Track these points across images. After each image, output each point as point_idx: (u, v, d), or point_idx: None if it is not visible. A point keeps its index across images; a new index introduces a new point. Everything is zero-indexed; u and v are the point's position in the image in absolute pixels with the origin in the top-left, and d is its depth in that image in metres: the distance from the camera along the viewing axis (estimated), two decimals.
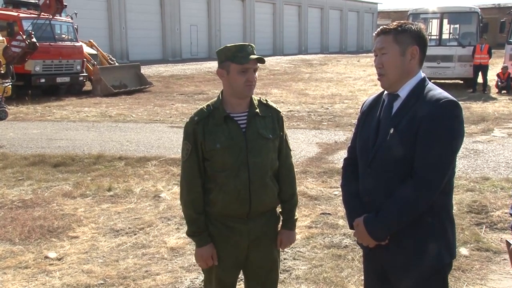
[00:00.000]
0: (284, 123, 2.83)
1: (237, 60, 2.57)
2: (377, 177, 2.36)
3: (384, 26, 2.39)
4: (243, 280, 3.00)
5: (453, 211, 2.45)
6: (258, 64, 2.65)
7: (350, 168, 2.60)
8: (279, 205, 2.88)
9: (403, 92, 2.34)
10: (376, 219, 2.32)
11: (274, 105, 2.80)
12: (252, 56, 2.58)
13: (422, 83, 2.34)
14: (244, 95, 2.65)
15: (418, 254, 2.32)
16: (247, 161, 2.63)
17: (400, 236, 2.32)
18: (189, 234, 2.80)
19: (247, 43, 2.65)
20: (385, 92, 2.46)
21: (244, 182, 2.63)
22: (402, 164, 2.27)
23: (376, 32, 2.41)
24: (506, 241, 2.47)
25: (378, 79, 2.41)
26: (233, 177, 2.63)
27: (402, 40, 2.32)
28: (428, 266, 2.33)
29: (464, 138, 2.34)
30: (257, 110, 2.69)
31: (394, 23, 2.38)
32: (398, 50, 2.32)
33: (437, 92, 2.29)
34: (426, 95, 2.28)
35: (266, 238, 2.78)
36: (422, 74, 2.38)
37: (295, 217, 2.89)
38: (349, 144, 2.66)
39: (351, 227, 2.50)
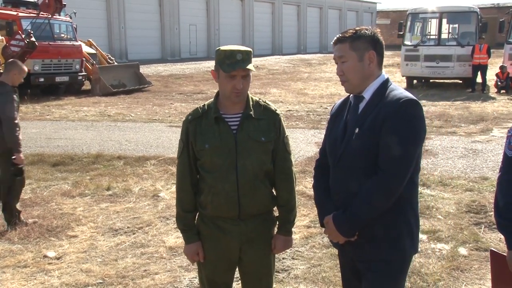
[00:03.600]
0: (284, 125, 2.79)
1: (223, 67, 2.56)
2: (344, 175, 2.46)
3: (340, 35, 2.48)
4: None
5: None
6: (254, 67, 2.63)
7: (321, 169, 2.68)
8: (277, 208, 2.85)
9: (367, 93, 2.45)
10: (344, 216, 2.41)
11: (272, 108, 2.76)
12: (238, 67, 2.53)
13: (384, 84, 2.45)
14: (232, 101, 2.64)
15: (384, 247, 2.41)
16: (236, 163, 2.62)
17: (364, 229, 2.41)
18: (179, 229, 2.85)
19: (239, 49, 2.57)
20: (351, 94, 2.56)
21: (232, 184, 2.62)
22: (367, 162, 2.37)
23: (333, 41, 2.50)
24: (491, 250, 2.51)
25: (342, 85, 2.52)
26: (221, 178, 2.63)
27: (358, 46, 2.41)
28: (394, 259, 2.42)
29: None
30: (251, 112, 2.67)
31: (350, 31, 2.46)
32: (356, 56, 2.42)
33: (399, 92, 2.40)
34: (388, 95, 2.39)
35: (260, 241, 2.76)
36: (385, 76, 2.49)
37: (292, 223, 2.84)
38: (321, 146, 2.74)
39: (322, 225, 2.59)
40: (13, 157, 5.24)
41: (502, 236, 5.05)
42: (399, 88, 2.45)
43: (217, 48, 2.64)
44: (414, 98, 2.35)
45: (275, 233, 2.85)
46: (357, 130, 2.39)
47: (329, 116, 2.71)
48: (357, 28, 2.46)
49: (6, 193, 5.49)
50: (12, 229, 5.39)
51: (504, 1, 52.72)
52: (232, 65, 2.54)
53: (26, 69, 5.55)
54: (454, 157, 8.50)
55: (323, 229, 2.61)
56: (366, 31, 2.43)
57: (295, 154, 8.07)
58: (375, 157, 2.33)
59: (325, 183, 2.60)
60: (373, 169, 2.34)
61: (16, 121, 5.24)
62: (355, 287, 2.62)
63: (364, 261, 2.48)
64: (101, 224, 5.65)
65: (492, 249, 2.51)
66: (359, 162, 2.39)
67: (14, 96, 5.32)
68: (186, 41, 37.41)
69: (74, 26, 19.08)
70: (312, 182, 2.74)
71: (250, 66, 2.58)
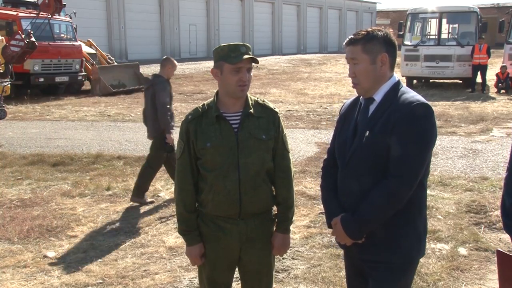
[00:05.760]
0: (283, 124, 2.80)
1: (229, 60, 2.57)
2: (353, 177, 2.44)
3: (352, 36, 2.44)
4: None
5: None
6: (254, 64, 2.65)
7: (329, 169, 2.67)
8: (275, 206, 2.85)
9: (378, 96, 2.42)
10: (352, 218, 2.40)
11: (271, 106, 2.78)
12: (245, 56, 2.57)
13: (396, 86, 2.42)
14: (237, 96, 2.64)
15: (388, 249, 2.41)
16: (238, 161, 2.62)
17: (372, 232, 2.40)
18: (180, 232, 2.82)
19: (241, 43, 2.64)
20: None
21: (234, 182, 2.62)
22: (377, 165, 2.35)
23: (345, 42, 2.47)
24: (497, 250, 2.49)
25: (353, 87, 2.49)
26: (222, 177, 2.62)
27: (371, 49, 2.39)
28: (397, 262, 2.41)
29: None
30: (252, 110, 2.68)
31: (362, 32, 2.43)
32: (368, 59, 2.39)
33: (410, 95, 2.38)
34: (399, 98, 2.37)
35: (260, 240, 2.76)
36: (396, 78, 2.46)
37: (290, 221, 2.83)
38: (329, 146, 2.72)
39: (329, 226, 2.57)
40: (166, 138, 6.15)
41: (502, 236, 5.06)
42: (410, 91, 2.43)
43: (216, 47, 2.66)
44: (426, 102, 2.33)
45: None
46: (367, 133, 2.37)
47: (338, 116, 2.68)
48: (369, 30, 2.43)
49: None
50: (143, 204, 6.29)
51: (504, 1, 52.70)
52: (238, 57, 2.56)
53: (177, 63, 6.39)
54: (454, 157, 8.50)
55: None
56: (379, 33, 2.40)
57: (295, 154, 8.08)
58: (385, 160, 2.32)
59: (332, 183, 2.59)
60: (383, 172, 2.33)
61: (168, 106, 6.07)
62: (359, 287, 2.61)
63: (369, 262, 2.48)
64: (101, 224, 5.65)
65: (499, 249, 2.49)
66: (369, 166, 2.38)
67: (168, 86, 6.17)
68: (186, 41, 37.41)
69: (74, 26, 19.09)
70: (317, 181, 2.74)
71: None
